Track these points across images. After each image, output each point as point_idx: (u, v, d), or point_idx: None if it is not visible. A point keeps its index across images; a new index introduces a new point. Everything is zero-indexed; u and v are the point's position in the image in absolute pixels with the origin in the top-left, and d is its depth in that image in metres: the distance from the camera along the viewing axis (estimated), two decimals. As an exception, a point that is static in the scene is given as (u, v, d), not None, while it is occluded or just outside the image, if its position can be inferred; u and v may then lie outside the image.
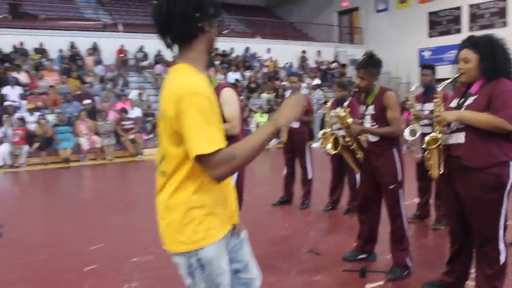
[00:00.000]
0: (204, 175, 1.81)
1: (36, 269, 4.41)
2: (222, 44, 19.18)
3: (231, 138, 3.58)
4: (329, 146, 4.44)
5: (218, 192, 1.91)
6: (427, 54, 20.71)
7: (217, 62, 18.14)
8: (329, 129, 5.17)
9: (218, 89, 3.76)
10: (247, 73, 18.59)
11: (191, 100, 1.71)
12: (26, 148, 12.16)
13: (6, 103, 13.13)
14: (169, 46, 1.89)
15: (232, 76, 17.67)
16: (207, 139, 1.71)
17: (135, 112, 14.32)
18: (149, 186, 9.00)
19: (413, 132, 4.67)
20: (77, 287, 3.87)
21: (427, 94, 5.20)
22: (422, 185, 5.49)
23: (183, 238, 1.85)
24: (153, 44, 16.75)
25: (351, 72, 20.27)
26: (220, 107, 3.64)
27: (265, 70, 19.45)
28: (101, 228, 5.83)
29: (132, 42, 18.03)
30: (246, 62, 19.56)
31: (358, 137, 4.14)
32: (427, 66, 5.41)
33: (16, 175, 11.15)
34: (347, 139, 4.18)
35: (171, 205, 1.85)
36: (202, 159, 1.72)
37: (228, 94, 3.81)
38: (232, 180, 2.06)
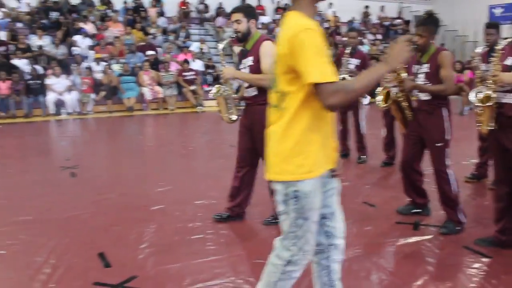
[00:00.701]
0: (315, 113, 1.97)
1: (107, 206, 4.77)
2: (283, -3, 18.97)
3: (262, 91, 3.64)
4: (379, 98, 4.46)
5: (326, 130, 2.06)
6: (498, 11, 19.51)
7: (277, 16, 18.02)
8: (389, 85, 5.14)
9: (259, 42, 3.79)
10: (308, 28, 18.32)
11: (306, 35, 1.87)
12: (93, 96, 12.74)
13: (74, 52, 13.70)
14: None
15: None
16: (322, 69, 1.86)
17: (197, 64, 14.59)
18: (209, 136, 9.42)
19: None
20: (146, 223, 4.18)
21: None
22: (483, 145, 5.44)
23: (289, 168, 2.01)
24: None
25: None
26: (260, 59, 3.73)
27: (326, 25, 19.11)
28: (166, 173, 6.16)
29: (194, -5, 18.06)
30: (307, 16, 19.23)
31: (409, 95, 4.16)
32: (491, 25, 5.21)
33: (84, 122, 11.78)
34: (399, 94, 4.19)
35: (283, 137, 2.02)
36: (317, 88, 1.87)
37: (268, 47, 3.73)
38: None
